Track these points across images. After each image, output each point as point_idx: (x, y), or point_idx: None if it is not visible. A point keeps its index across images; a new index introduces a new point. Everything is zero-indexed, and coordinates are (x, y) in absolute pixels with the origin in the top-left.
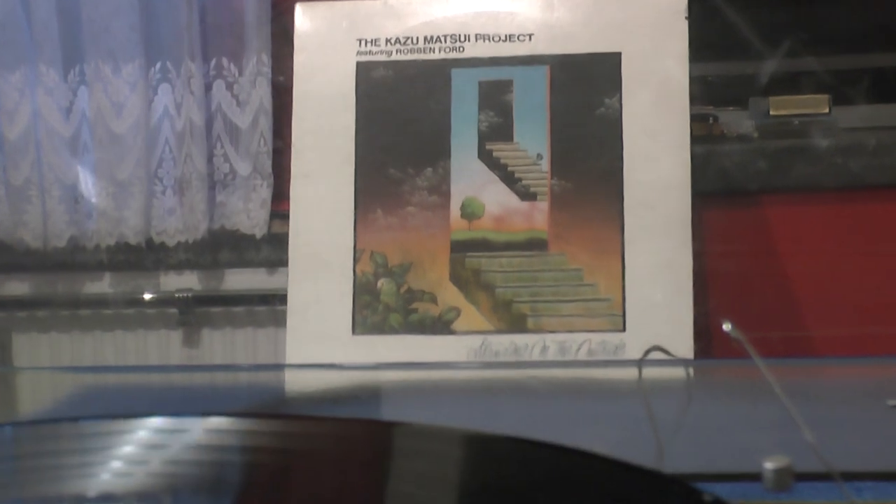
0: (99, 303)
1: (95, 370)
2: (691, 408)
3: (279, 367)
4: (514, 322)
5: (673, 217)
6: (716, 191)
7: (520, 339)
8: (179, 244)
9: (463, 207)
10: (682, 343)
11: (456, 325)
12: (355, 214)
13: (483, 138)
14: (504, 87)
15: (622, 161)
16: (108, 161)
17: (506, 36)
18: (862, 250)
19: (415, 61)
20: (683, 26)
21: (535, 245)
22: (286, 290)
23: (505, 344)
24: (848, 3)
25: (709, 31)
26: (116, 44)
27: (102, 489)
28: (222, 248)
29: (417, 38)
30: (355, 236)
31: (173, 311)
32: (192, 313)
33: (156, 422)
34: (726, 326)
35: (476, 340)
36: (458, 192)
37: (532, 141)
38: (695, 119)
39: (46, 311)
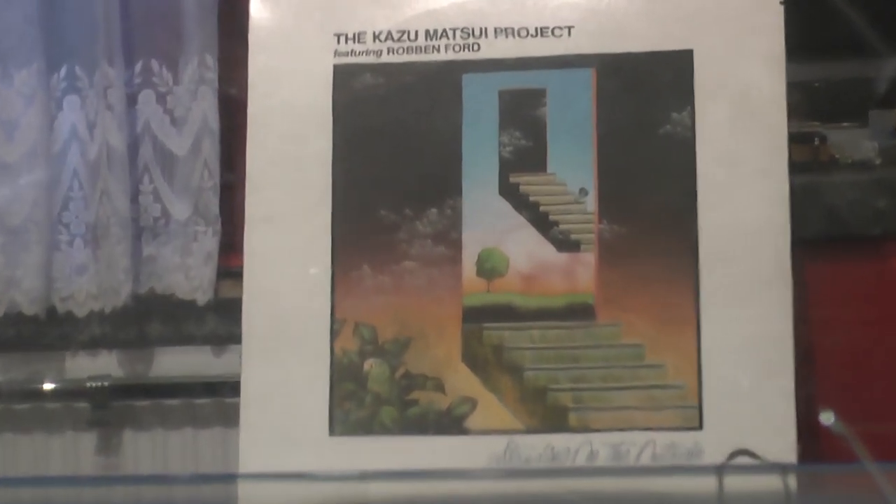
0: None
1: None
2: None
3: (230, 477)
4: (551, 417)
5: (765, 273)
6: (824, 237)
7: (559, 440)
8: (93, 314)
9: (480, 262)
10: (780, 443)
11: (471, 422)
12: (333, 272)
13: (506, 167)
14: (534, 97)
15: (695, 197)
16: None
17: (536, 29)
18: None
19: (413, 64)
20: (778, 16)
21: (578, 312)
22: (238, 377)
23: (538, 447)
24: None
25: (813, 22)
26: (7, 43)
27: None
28: (151, 319)
29: (416, 33)
30: (333, 302)
31: (84, 405)
32: (109, 408)
33: None
34: (826, 418)
35: (498, 442)
36: (474, 240)
37: (573, 170)
38: (794, 140)
39: None
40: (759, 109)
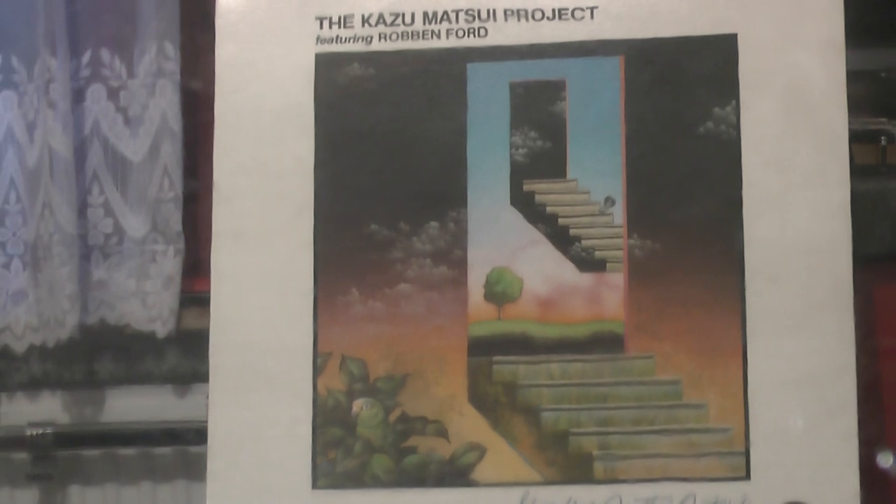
0: None
1: None
2: None
3: None
4: (573, 466)
5: (823, 296)
6: (891, 253)
7: (582, 492)
8: (33, 349)
9: (488, 284)
10: (840, 493)
11: (479, 473)
12: (316, 297)
13: (519, 173)
14: (551, 91)
15: (741, 207)
16: None
17: (553, 11)
18: None
19: (409, 52)
20: None
21: (604, 343)
22: (204, 421)
23: (558, 501)
24: None
25: (877, 1)
26: None
27: None
28: (102, 354)
29: (413, 16)
30: (316, 332)
31: (23, 455)
32: (53, 459)
33: None
34: (885, 460)
35: (511, 496)
36: (481, 259)
37: (597, 176)
38: (857, 138)
39: None
40: (814, 104)
